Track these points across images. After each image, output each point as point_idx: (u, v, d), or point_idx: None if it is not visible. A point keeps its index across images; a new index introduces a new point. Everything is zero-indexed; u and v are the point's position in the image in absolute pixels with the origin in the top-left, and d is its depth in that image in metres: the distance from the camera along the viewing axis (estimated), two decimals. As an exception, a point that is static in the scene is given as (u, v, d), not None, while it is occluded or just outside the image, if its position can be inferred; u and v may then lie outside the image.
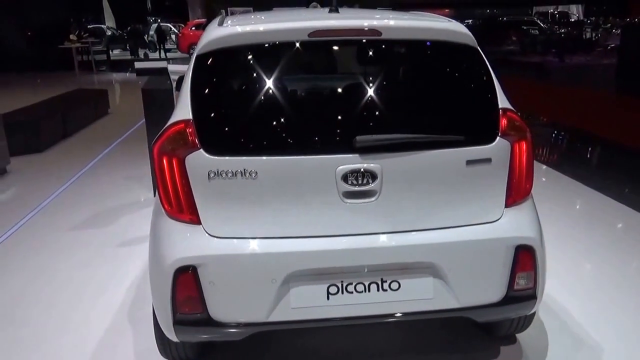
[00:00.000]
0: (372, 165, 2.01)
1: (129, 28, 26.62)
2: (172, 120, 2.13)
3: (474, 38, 2.26)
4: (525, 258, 2.17)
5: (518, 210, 2.21)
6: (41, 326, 2.93)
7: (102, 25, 26.11)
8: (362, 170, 2.01)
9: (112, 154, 6.87)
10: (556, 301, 3.04)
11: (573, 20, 25.78)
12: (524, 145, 2.19)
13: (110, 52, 23.75)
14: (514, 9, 32.23)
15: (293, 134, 2.07)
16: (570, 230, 4.10)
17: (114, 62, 20.38)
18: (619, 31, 19.07)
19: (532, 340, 2.69)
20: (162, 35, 24.88)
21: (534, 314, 2.49)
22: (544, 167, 6.02)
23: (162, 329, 2.15)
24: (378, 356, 2.61)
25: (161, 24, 26.81)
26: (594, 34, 22.77)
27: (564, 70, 15.89)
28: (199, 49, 2.17)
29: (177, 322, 2.07)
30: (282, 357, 2.62)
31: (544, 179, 5.48)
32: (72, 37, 16.73)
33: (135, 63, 15.45)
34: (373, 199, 2.04)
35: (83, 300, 3.18)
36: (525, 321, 2.53)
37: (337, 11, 2.43)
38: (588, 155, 6.96)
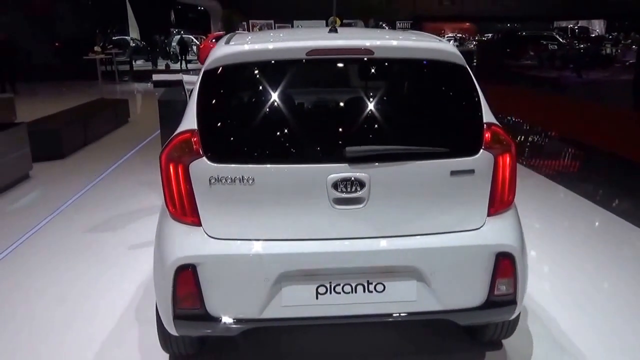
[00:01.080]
0: (360, 174, 2.16)
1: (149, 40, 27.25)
2: (179, 129, 2.31)
3: (462, 57, 2.41)
4: (505, 265, 2.28)
5: (500, 219, 2.33)
6: (52, 320, 3.13)
7: (127, 37, 26.78)
8: (351, 178, 2.16)
9: (130, 161, 7.13)
10: (544, 309, 3.14)
11: (594, 35, 25.65)
12: (507, 158, 2.32)
13: (134, 63, 24.35)
14: (535, 23, 32.20)
15: (288, 144, 2.24)
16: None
17: (136, 73, 20.90)
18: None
19: (517, 345, 2.79)
20: (185, 46, 25.41)
21: (517, 320, 2.61)
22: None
23: (163, 323, 2.32)
24: (370, 357, 2.73)
25: (183, 35, 27.40)
26: (613, 50, 22.64)
27: (578, 86, 15.85)
28: (206, 65, 2.35)
29: (177, 317, 2.23)
30: (277, 356, 2.76)
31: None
32: (96, 48, 17.30)
33: (153, 75, 15.88)
34: (361, 205, 2.19)
35: (93, 298, 3.38)
36: (509, 327, 2.63)
37: (336, 31, 2.60)
38: (592, 170, 6.96)
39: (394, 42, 2.44)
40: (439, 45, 2.42)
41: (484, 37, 29.32)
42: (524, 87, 14.48)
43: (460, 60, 2.39)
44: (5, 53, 15.03)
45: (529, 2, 36.16)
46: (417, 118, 2.35)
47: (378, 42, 2.35)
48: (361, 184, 2.17)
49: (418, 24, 47.34)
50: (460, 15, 47.87)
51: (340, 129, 2.26)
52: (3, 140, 5.72)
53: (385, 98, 2.37)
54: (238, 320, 2.24)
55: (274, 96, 2.26)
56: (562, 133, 8.86)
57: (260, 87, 2.29)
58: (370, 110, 2.29)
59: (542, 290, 3.37)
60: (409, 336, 2.88)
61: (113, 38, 25.67)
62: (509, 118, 10.66)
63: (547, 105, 10.47)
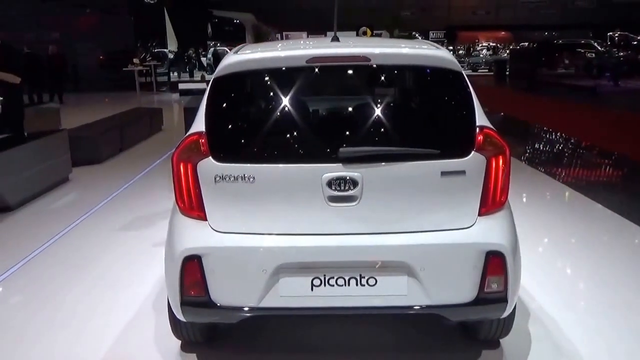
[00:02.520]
0: (353, 173, 2.31)
1: (176, 52, 28.03)
2: (189, 132, 2.52)
3: (457, 63, 2.54)
4: (495, 263, 2.37)
5: (491, 219, 2.43)
6: (78, 307, 3.40)
7: (165, 50, 27.68)
8: (344, 177, 2.31)
9: (161, 166, 7.46)
10: (544, 311, 3.19)
11: (635, 43, 24.93)
12: (500, 160, 2.42)
13: (171, 74, 25.18)
14: (575, 31, 31.58)
15: (286, 145, 2.42)
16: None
17: (173, 84, 21.63)
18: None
19: (515, 345, 2.85)
20: (218, 58, 26.10)
21: (512, 319, 2.68)
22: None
23: (173, 310, 2.51)
24: (368, 353, 2.85)
25: (217, 48, 28.17)
26: (655, 58, 21.94)
27: (614, 95, 15.49)
28: (215, 72, 2.56)
29: (184, 304, 2.43)
30: (281, 348, 2.92)
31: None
32: (135, 60, 18.09)
33: (179, 84, 16.43)
34: (354, 203, 2.34)
35: (117, 288, 3.64)
36: (504, 326, 2.69)
37: (338, 40, 2.77)
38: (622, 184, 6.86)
39: (390, 50, 2.59)
40: (433, 53, 2.56)
41: (519, 46, 28.86)
42: (556, 96, 14.26)
43: (456, 66, 2.52)
44: (55, 66, 15.86)
45: (568, 10, 35.55)
46: (411, 121, 2.48)
47: (374, 50, 2.51)
48: (354, 182, 2.31)
49: (452, 34, 47.15)
50: (495, 24, 47.31)
51: (336, 131, 2.43)
52: (46, 146, 6.14)
53: (380, 102, 2.52)
54: (239, 308, 2.41)
55: (275, 101, 2.44)
56: (591, 142, 8.72)
57: (263, 93, 2.48)
58: (366, 113, 2.45)
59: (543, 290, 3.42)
60: (406, 334, 2.98)
61: (153, 50, 26.59)
62: (536, 127, 10.52)
63: (577, 114, 10.34)
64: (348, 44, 2.70)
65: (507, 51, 29.42)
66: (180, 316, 2.50)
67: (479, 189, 2.40)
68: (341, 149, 2.30)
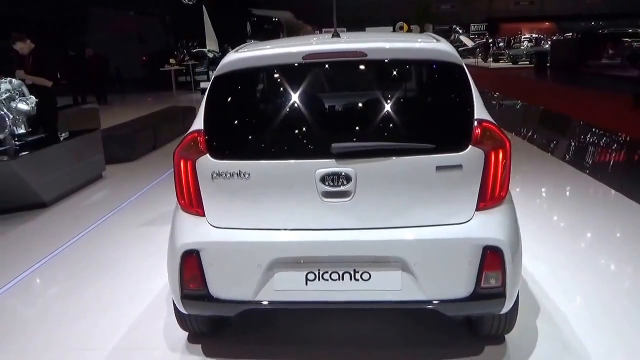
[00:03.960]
0: (347, 169, 2.33)
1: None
2: (190, 130, 2.60)
3: (457, 56, 2.51)
4: (492, 258, 2.34)
5: (490, 214, 2.39)
6: (97, 300, 3.57)
7: (205, 49, 28.23)
8: (338, 173, 2.33)
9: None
10: (558, 309, 3.12)
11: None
12: (500, 155, 2.38)
13: (210, 74, 25.64)
14: (621, 21, 30.27)
15: (281, 142, 2.46)
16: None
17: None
18: None
19: (520, 342, 2.81)
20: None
21: (515, 315, 2.64)
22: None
23: (175, 303, 2.60)
24: (370, 349, 2.87)
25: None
26: None
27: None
28: (216, 71, 2.63)
29: (185, 297, 2.51)
30: (285, 340, 2.97)
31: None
32: (172, 61, 18.53)
33: (201, 83, 16.69)
34: (348, 199, 2.36)
35: (135, 283, 3.78)
36: (507, 321, 2.65)
37: (339, 36, 2.79)
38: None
39: (387, 45, 2.58)
40: (431, 46, 2.54)
41: (563, 37, 27.85)
42: (599, 88, 13.68)
43: (455, 59, 2.49)
44: (95, 67, 16.47)
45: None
46: (406, 116, 2.46)
47: (371, 45, 2.51)
48: (348, 178, 2.33)
49: (494, 26, 46.00)
50: (539, 15, 45.85)
51: (330, 127, 2.44)
52: (79, 146, 6.42)
53: (377, 98, 2.52)
54: (236, 302, 2.47)
55: (272, 98, 2.50)
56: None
57: (261, 90, 2.53)
58: (361, 109, 2.46)
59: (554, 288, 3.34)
60: (410, 328, 2.98)
61: (193, 51, 27.18)
62: (580, 123, 10.02)
63: (622, 105, 9.89)
64: (347, 40, 2.71)
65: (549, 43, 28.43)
66: (182, 309, 2.58)
67: (477, 184, 2.36)
68: (334, 145, 2.32)
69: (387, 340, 2.92)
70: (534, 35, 36.11)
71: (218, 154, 2.45)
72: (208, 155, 2.45)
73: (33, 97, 5.80)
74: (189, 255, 2.46)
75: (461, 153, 2.34)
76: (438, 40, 2.62)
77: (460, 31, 46.79)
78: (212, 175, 2.44)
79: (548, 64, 22.53)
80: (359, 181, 2.34)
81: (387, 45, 2.59)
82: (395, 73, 2.56)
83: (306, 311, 3.06)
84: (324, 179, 2.34)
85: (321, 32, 36.75)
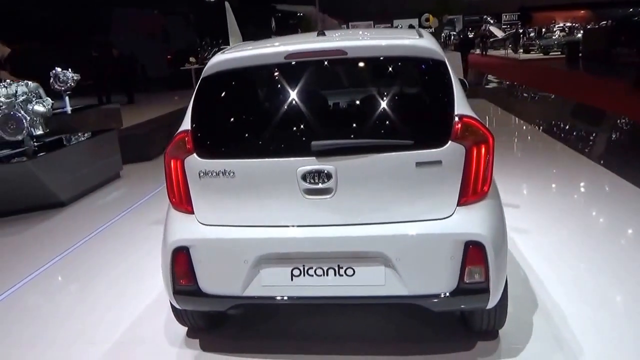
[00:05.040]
0: (327, 166, 2.35)
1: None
2: (179, 130, 2.67)
3: (438, 52, 2.50)
4: (474, 253, 2.34)
5: (471, 209, 2.38)
6: (104, 295, 3.69)
7: (228, 47, 28.49)
8: (319, 170, 2.36)
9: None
10: (558, 306, 3.07)
11: None
12: (482, 150, 2.37)
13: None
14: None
15: (263, 141, 2.50)
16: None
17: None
18: None
19: (513, 337, 2.78)
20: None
21: (504, 310, 2.63)
22: None
23: (169, 298, 2.68)
24: (363, 344, 2.88)
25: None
26: None
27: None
28: (203, 73, 2.68)
29: (176, 292, 2.58)
30: (282, 335, 3.02)
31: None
32: (191, 59, 18.71)
33: None
34: (329, 195, 2.38)
35: (142, 279, 3.88)
36: (496, 317, 2.64)
37: (324, 34, 2.80)
38: None
39: (367, 42, 2.59)
40: (412, 43, 2.53)
41: (593, 25, 27.03)
42: (632, 78, 13.18)
43: (435, 54, 2.48)
44: (121, 67, 16.83)
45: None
46: (387, 113, 2.45)
47: (351, 43, 2.52)
48: (328, 175, 2.35)
49: (526, 15, 44.93)
50: (574, 2, 44.54)
51: (311, 125, 2.46)
52: (95, 146, 6.61)
53: (357, 95, 2.53)
54: (224, 297, 2.53)
55: (255, 98, 2.53)
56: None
57: (244, 90, 2.57)
58: (342, 106, 2.48)
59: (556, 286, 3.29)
60: (403, 324, 2.99)
61: (215, 49, 27.47)
62: (614, 118, 9.59)
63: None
64: (328, 39, 2.72)
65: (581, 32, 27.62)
66: (175, 304, 2.66)
67: (458, 179, 2.36)
68: (313, 143, 2.34)
69: (381, 335, 2.93)
70: (567, 24, 35.13)
71: (204, 153, 2.50)
72: (195, 154, 2.51)
73: (49, 99, 5.99)
74: (179, 251, 2.52)
75: (440, 149, 2.34)
76: (421, 36, 2.61)
77: (491, 21, 45.96)
78: (199, 174, 2.50)
79: (580, 54, 21.92)
80: (339, 178, 2.36)
81: (367, 43, 2.60)
82: (375, 70, 2.57)
83: (301, 307, 3.09)
84: (304, 177, 2.37)
85: (348, 26, 36.66)
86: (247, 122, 2.53)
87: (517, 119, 10.15)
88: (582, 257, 3.76)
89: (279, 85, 2.53)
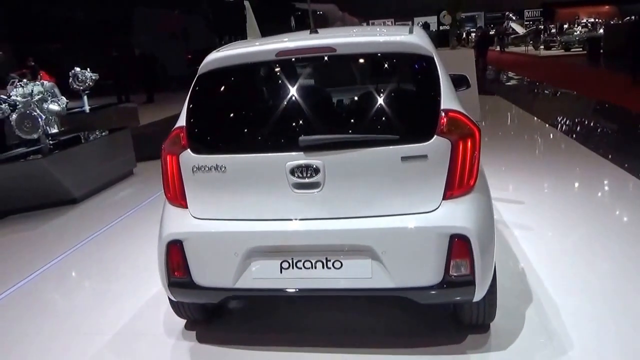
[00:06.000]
0: (315, 161, 2.40)
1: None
2: (175, 126, 2.74)
3: (426, 47, 2.53)
4: (459, 246, 2.36)
5: (457, 202, 2.41)
6: (108, 290, 3.81)
7: (247, 45, 28.75)
8: (307, 165, 2.41)
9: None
10: (552, 300, 3.07)
11: None
12: (468, 144, 2.39)
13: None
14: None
15: (253, 136, 2.56)
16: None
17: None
18: None
19: (504, 331, 2.79)
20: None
21: (492, 303, 2.64)
22: None
23: (165, 290, 2.76)
24: (354, 337, 2.92)
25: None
26: None
27: None
28: (199, 70, 2.75)
29: (171, 284, 2.66)
30: (278, 328, 3.08)
31: None
32: (205, 58, 18.98)
33: None
34: (317, 189, 2.43)
35: (147, 274, 3.95)
36: (485, 310, 2.65)
37: (317, 32, 2.85)
38: None
39: (355, 39, 2.63)
40: (400, 39, 2.57)
41: (614, 21, 26.46)
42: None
43: (423, 50, 2.51)
44: (141, 67, 17.12)
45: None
46: (374, 108, 2.48)
47: (340, 40, 2.57)
48: (316, 170, 2.40)
49: (549, 11, 44.21)
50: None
51: (299, 121, 2.51)
52: (108, 144, 6.76)
53: (347, 91, 2.58)
54: (217, 289, 2.60)
55: (246, 94, 2.60)
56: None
57: (236, 87, 2.63)
58: (331, 102, 2.52)
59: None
60: (393, 317, 3.02)
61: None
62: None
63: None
64: (319, 36, 2.76)
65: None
66: (170, 296, 2.74)
67: (444, 173, 2.38)
68: (301, 138, 2.40)
69: (372, 329, 2.96)
70: (589, 20, 34.45)
71: (197, 149, 2.57)
72: (189, 150, 2.58)
73: (64, 98, 6.15)
74: (173, 244, 2.60)
75: (426, 143, 2.37)
76: (410, 32, 2.64)
77: (513, 18, 45.35)
78: (193, 169, 2.57)
79: (601, 50, 21.51)
80: (327, 172, 2.40)
81: (355, 40, 2.64)
82: (364, 66, 2.61)
83: (297, 300, 3.15)
84: (293, 171, 2.42)
85: (368, 24, 36.60)
86: (238, 118, 2.60)
87: (535, 118, 9.73)
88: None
89: (270, 82, 2.59)
